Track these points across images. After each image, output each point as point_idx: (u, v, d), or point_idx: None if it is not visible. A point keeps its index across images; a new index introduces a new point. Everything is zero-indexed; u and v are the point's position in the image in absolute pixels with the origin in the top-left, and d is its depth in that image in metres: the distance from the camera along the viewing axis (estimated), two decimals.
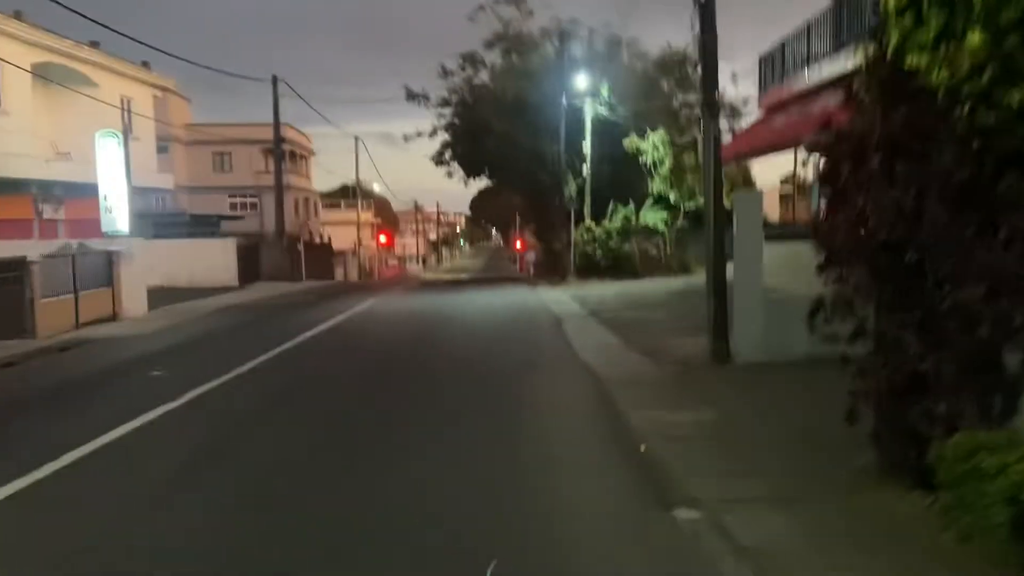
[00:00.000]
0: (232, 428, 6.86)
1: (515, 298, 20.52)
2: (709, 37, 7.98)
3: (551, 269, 31.91)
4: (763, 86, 19.43)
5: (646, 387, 7.88)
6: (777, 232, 17.66)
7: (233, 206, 47.46)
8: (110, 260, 16.92)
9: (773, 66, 18.73)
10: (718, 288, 8.68)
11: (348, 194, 63.95)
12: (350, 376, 9.39)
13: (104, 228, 17.56)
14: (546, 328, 13.39)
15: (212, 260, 27.84)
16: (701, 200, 25.35)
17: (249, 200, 47.80)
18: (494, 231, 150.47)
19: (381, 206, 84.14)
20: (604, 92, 24.74)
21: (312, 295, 24.10)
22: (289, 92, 33.68)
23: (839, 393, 4.41)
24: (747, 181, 25.97)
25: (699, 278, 22.61)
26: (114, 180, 17.44)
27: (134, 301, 17.49)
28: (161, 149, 44.93)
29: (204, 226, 36.86)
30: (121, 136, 17.60)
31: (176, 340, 13.48)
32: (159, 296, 22.28)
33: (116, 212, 17.58)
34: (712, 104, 8.50)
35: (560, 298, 19.41)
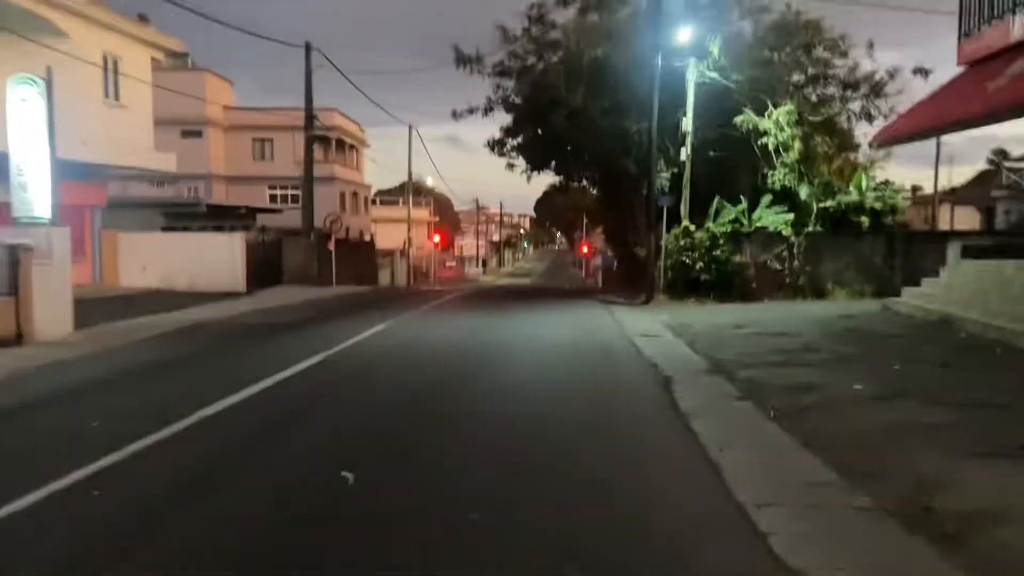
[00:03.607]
0: None
1: (588, 328, 14.65)
2: None
3: (630, 281, 25.94)
4: (966, 29, 13.14)
5: None
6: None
7: (273, 198, 43.09)
8: (15, 258, 11.89)
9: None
10: None
11: (414, 191, 59.15)
12: (256, 512, 3.88)
13: (16, 213, 12.52)
14: (648, 405, 7.52)
15: (217, 259, 22.91)
16: (841, 197, 19.15)
17: (291, 192, 43.27)
18: (558, 234, 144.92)
19: (441, 205, 79.70)
20: (714, 50, 18.66)
21: (323, 309, 18.80)
22: (338, 78, 28.39)
23: None
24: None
25: (852, 305, 16.41)
26: (30, 146, 12.43)
27: (52, 315, 12.38)
28: (195, 133, 41.04)
29: (228, 219, 32.35)
30: (42, 85, 12.51)
31: (60, 385, 8.25)
32: (132, 303, 17.40)
33: (33, 191, 12.55)
34: None
35: (652, 329, 13.52)
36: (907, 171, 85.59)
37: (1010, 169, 41.14)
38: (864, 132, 22.99)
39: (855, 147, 22.83)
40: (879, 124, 23.99)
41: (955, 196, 39.60)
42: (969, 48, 12.89)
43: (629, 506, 4.53)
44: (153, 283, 22.81)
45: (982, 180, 45.32)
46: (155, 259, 23.22)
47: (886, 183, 18.60)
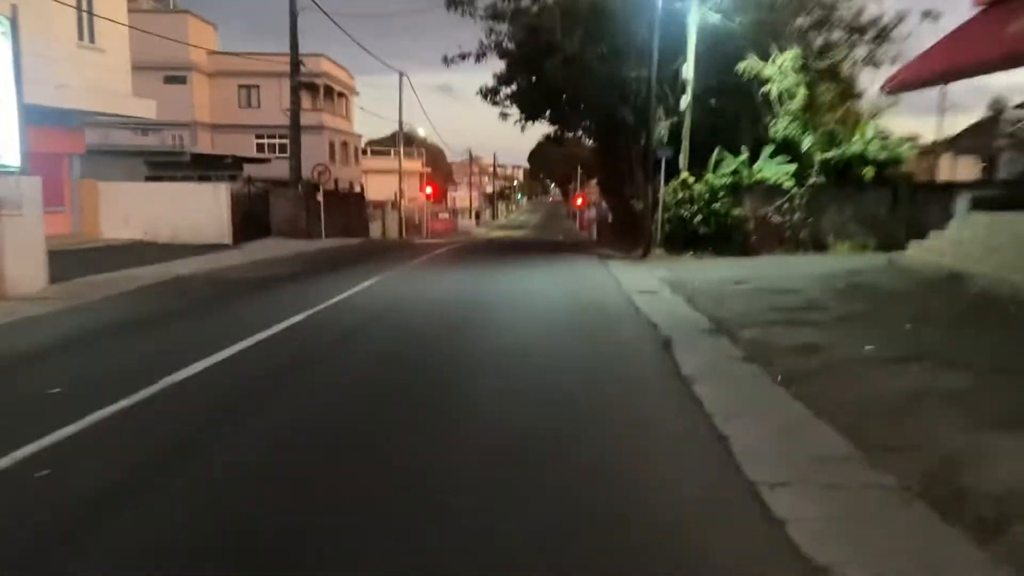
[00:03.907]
0: None
1: (584, 284, 14.23)
2: None
3: (626, 234, 25.44)
4: None
5: None
6: None
7: (260, 147, 42.09)
8: None
9: None
10: None
11: (406, 142, 57.86)
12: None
13: None
14: (648, 368, 7.09)
15: (201, 210, 22.28)
16: (845, 148, 18.49)
17: (279, 141, 42.21)
18: (552, 186, 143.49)
19: (434, 156, 78.51)
20: None
21: (310, 262, 18.28)
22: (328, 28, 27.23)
23: None
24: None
25: (856, 259, 15.91)
26: None
27: (24, 268, 11.87)
28: (178, 79, 39.82)
29: (214, 169, 31.56)
30: (6, 24, 11.73)
31: (26, 343, 7.78)
32: (112, 256, 16.91)
33: (1, 138, 11.88)
34: None
35: (650, 285, 13.09)
36: (906, 120, 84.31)
37: (1009, 119, 40.31)
38: (870, 80, 22.33)
39: (859, 95, 22.12)
40: (885, 71, 23.28)
41: (956, 146, 38.79)
42: None
43: (630, 488, 4.12)
44: (136, 235, 22.23)
45: (980, 129, 44.29)
46: (138, 210, 22.59)
47: (885, 137, 17.96)
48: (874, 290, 10.87)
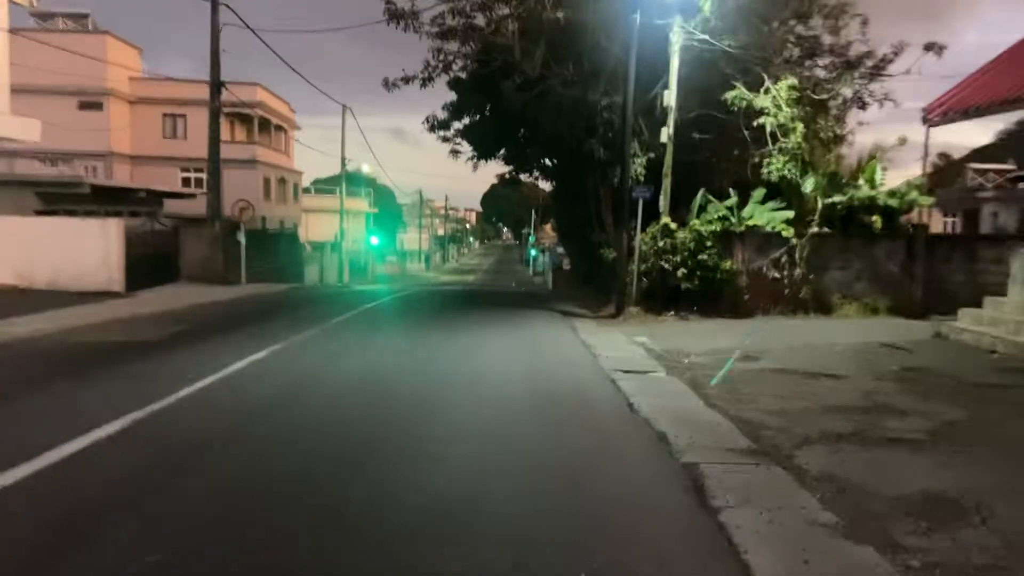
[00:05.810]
0: None
1: (550, 358, 11.03)
2: None
3: (588, 285, 22.61)
4: None
5: None
6: None
7: (187, 181, 38.35)
8: None
9: None
10: None
11: (352, 181, 54.44)
12: None
13: None
14: (684, 556, 4.00)
15: (87, 250, 18.63)
16: (853, 192, 15.96)
17: (207, 175, 38.51)
18: (505, 229, 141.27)
19: (383, 197, 75.49)
20: (705, 6, 15.21)
21: (208, 318, 14.78)
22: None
23: None
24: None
25: (878, 325, 12.75)
26: None
27: None
28: (94, 105, 36.16)
29: (125, 203, 27.76)
30: None
31: None
32: None
33: None
34: None
35: (635, 358, 10.06)
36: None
37: (976, 171, 39.29)
38: (859, 121, 20.09)
39: (847, 136, 19.80)
40: (873, 112, 21.15)
41: (935, 196, 37.40)
42: None
43: None
44: (6, 279, 18.46)
45: (933, 183, 43.01)
46: (13, 249, 18.83)
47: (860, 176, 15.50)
48: (948, 379, 7.99)
